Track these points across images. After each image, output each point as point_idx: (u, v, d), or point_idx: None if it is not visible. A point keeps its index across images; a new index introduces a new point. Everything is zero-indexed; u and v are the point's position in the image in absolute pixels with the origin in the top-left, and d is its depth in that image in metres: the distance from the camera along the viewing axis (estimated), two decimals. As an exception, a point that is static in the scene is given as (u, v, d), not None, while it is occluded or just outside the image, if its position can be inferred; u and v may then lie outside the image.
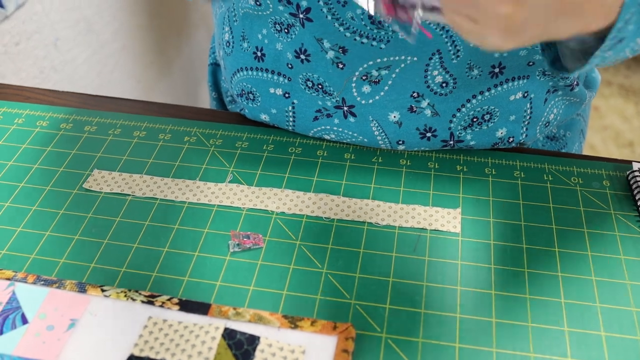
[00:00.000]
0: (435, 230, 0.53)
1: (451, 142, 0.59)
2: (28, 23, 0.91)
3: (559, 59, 0.52)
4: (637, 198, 0.55)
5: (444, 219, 0.53)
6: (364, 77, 0.55)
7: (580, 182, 0.57)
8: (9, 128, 0.63)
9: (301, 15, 0.52)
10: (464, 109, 0.57)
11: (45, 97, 0.68)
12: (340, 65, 0.54)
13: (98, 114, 0.65)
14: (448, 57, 0.53)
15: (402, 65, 0.53)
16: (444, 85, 0.55)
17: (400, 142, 0.59)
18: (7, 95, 0.68)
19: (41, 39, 0.95)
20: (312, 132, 0.61)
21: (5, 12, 0.85)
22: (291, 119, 0.60)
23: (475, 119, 0.57)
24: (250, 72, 0.60)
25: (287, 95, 0.59)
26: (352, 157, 0.60)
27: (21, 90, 0.69)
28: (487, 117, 0.57)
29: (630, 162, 0.59)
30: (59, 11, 0.98)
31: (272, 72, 0.58)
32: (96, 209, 0.55)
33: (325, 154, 0.60)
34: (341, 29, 0.52)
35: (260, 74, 0.59)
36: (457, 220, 0.53)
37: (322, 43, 0.53)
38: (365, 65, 0.54)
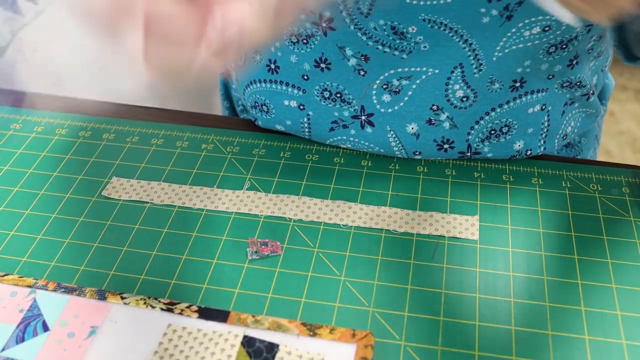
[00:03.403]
0: (453, 237, 0.53)
1: (468, 154, 0.58)
2: (46, 31, 0.92)
3: (632, 55, 0.53)
4: (656, 205, 0.54)
5: (462, 226, 0.53)
6: (384, 86, 0.55)
7: (599, 188, 0.57)
8: (28, 136, 0.64)
9: (324, 24, 0.52)
10: (482, 122, 0.56)
11: (65, 104, 0.69)
12: (362, 72, 0.54)
13: (116, 122, 0.65)
14: (470, 71, 0.53)
15: (423, 76, 0.53)
16: (464, 99, 0.55)
17: (417, 153, 0.59)
18: (26, 103, 0.69)
19: (58, 47, 0.96)
20: (328, 141, 0.61)
21: (23, 19, 0.86)
22: (307, 130, 0.60)
23: (493, 131, 0.57)
24: (263, 85, 0.60)
25: (302, 107, 0.59)
26: (369, 164, 0.60)
27: (40, 98, 0.70)
28: (505, 129, 0.57)
29: (649, 168, 0.59)
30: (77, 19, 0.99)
31: (287, 85, 0.59)
32: (115, 217, 0.55)
33: (342, 161, 0.60)
34: (364, 37, 0.52)
35: (274, 86, 0.59)
36: (475, 227, 0.53)
37: (345, 51, 0.53)
38: (386, 74, 0.54)
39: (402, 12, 0.49)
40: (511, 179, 0.58)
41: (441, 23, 0.49)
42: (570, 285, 0.49)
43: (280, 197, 0.56)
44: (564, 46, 0.53)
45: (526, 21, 0.49)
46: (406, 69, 0.53)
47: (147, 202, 0.56)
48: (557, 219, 0.54)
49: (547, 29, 0.50)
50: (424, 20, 0.49)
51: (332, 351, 0.44)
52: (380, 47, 0.52)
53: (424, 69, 0.53)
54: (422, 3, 0.48)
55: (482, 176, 0.58)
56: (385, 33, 0.51)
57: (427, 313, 0.47)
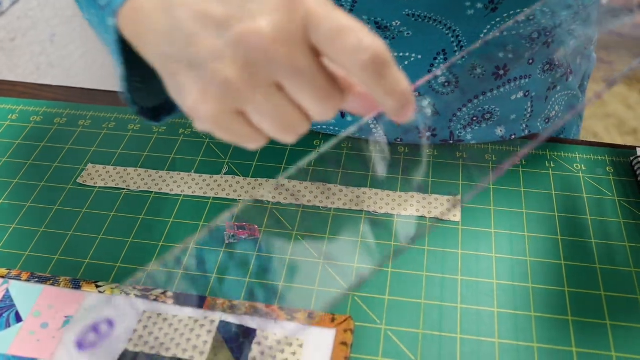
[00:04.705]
0: (434, 218, 0.52)
1: (451, 142, 0.58)
2: (23, 19, 0.90)
3: None
4: (641, 183, 0.54)
5: (444, 206, 0.52)
6: None
7: (583, 168, 0.56)
8: (2, 124, 0.62)
9: None
10: (465, 109, 0.56)
11: (39, 92, 0.67)
12: None
13: (92, 108, 0.64)
14: (453, 57, 0.52)
15: (406, 62, 0.52)
16: (446, 84, 0.54)
17: (399, 140, 0.58)
18: (0, 91, 0.67)
19: (37, 35, 0.94)
20: None
21: (0, 8, 0.84)
22: None
23: (475, 118, 0.56)
24: None
25: None
26: (349, 146, 0.59)
27: (15, 85, 0.68)
28: (487, 116, 0.56)
29: (634, 147, 0.58)
30: (55, 7, 0.98)
31: None
32: (91, 204, 0.54)
33: (321, 144, 0.59)
34: None
35: None
36: (457, 208, 0.52)
37: None
38: None
39: (385, 8, 0.48)
40: (494, 159, 0.57)
41: (425, 16, 0.49)
42: (554, 266, 0.48)
43: (258, 181, 0.55)
44: (548, 32, 0.52)
45: (511, 12, 0.49)
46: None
47: (124, 189, 0.55)
48: (541, 200, 0.53)
49: (531, 17, 0.50)
50: (407, 15, 0.48)
51: (311, 336, 0.43)
52: None
53: (407, 54, 0.52)
54: None
55: (464, 156, 0.57)
56: (369, 27, 0.50)
57: (408, 296, 0.46)
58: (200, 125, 0.32)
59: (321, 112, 0.31)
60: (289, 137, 0.32)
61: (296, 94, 0.30)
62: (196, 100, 0.31)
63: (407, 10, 0.48)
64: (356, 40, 0.29)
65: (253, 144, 0.33)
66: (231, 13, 0.30)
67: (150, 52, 0.34)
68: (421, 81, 0.34)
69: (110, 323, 0.44)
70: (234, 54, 0.30)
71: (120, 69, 0.38)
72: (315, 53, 0.31)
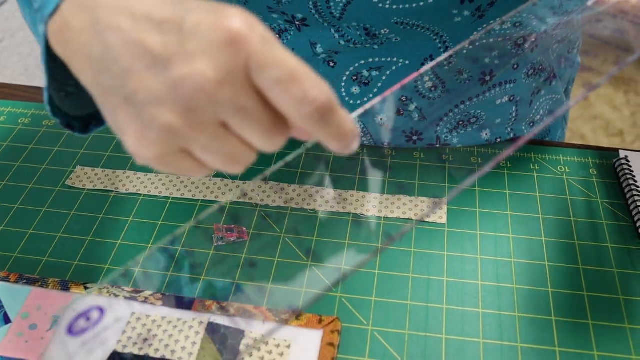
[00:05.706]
0: (421, 220, 0.52)
1: (437, 145, 0.58)
2: (12, 20, 0.90)
3: None
4: (624, 186, 0.55)
5: (430, 209, 0.53)
6: (354, 78, 0.54)
7: (567, 170, 0.57)
8: (-10, 126, 0.62)
9: (297, 22, 0.52)
10: (451, 114, 0.56)
11: (27, 94, 0.67)
12: (332, 64, 0.54)
13: (81, 110, 0.64)
14: (440, 63, 0.53)
15: (394, 67, 0.53)
16: (433, 89, 0.55)
17: (385, 143, 0.58)
18: (-12, 93, 0.68)
19: (26, 36, 0.94)
20: None
21: (-13, 9, 0.84)
22: None
23: (461, 122, 0.57)
24: None
25: None
26: (338, 149, 0.59)
27: (2, 87, 0.68)
28: (473, 120, 0.57)
29: (616, 149, 0.59)
30: (43, 8, 0.97)
31: None
32: (79, 206, 0.54)
33: (309, 146, 0.59)
34: (337, 35, 0.52)
35: None
36: (443, 210, 0.53)
37: (315, 48, 0.53)
38: (356, 65, 0.54)
39: (374, 16, 0.49)
40: (479, 162, 0.58)
41: (414, 24, 0.49)
42: (538, 267, 0.49)
43: (247, 183, 0.55)
44: (534, 38, 0.53)
45: (497, 19, 0.50)
46: (377, 59, 0.53)
47: (112, 191, 0.55)
48: (525, 202, 0.54)
49: (517, 24, 0.50)
50: (396, 23, 0.49)
51: (299, 337, 0.44)
52: (352, 45, 0.52)
53: (395, 59, 0.53)
54: (394, 7, 0.48)
55: (450, 159, 0.58)
56: (358, 33, 0.51)
57: (395, 298, 0.47)
58: (141, 162, 0.32)
59: (268, 146, 0.31)
60: (235, 170, 0.31)
61: (241, 131, 0.30)
62: (135, 144, 0.30)
63: (396, 18, 0.49)
64: (301, 92, 0.28)
65: (198, 175, 0.32)
66: (169, 48, 0.29)
67: (85, 78, 0.32)
68: (404, 81, 0.35)
69: (101, 310, 0.45)
70: (175, 97, 0.29)
71: (46, 79, 0.36)
72: (259, 90, 0.30)
